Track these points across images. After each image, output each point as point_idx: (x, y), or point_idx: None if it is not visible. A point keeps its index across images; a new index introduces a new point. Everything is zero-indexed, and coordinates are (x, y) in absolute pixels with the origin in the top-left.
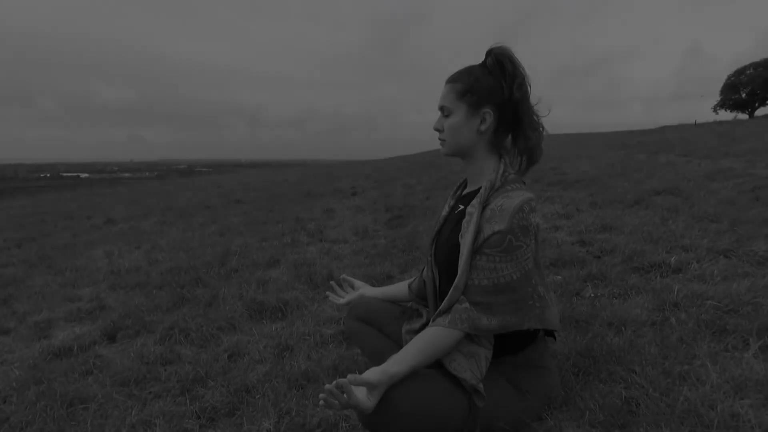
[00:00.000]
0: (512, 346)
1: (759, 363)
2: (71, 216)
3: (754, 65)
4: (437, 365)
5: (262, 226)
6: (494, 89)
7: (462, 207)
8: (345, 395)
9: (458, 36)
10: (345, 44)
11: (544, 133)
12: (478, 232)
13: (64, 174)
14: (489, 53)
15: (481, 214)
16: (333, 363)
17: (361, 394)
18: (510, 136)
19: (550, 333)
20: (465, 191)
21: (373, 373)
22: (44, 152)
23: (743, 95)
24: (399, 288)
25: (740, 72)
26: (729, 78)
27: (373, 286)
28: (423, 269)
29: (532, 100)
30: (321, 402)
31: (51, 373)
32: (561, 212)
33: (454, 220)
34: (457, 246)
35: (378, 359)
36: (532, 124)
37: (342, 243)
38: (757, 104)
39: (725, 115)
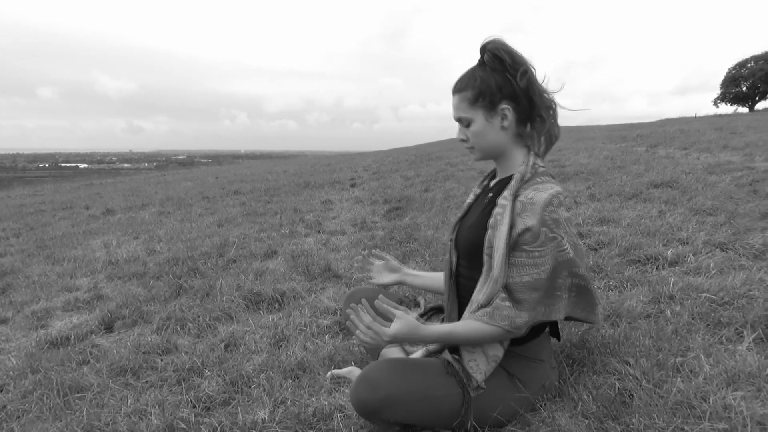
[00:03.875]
0: (517, 339)
1: (752, 355)
2: (70, 206)
3: (756, 58)
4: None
5: (261, 217)
6: (502, 84)
7: (492, 195)
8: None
9: (463, 28)
10: (347, 35)
11: (558, 109)
12: (511, 225)
13: (63, 164)
14: (483, 50)
15: (513, 207)
16: (329, 353)
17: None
18: (528, 121)
19: (555, 333)
20: (494, 181)
21: (405, 319)
22: (43, 142)
23: (744, 89)
24: (437, 278)
25: (741, 65)
26: (730, 71)
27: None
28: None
29: (539, 79)
30: (349, 315)
31: (48, 362)
32: None
33: (482, 207)
34: (482, 232)
35: (373, 349)
36: (545, 103)
37: (340, 234)
38: (757, 98)
39: (726, 109)
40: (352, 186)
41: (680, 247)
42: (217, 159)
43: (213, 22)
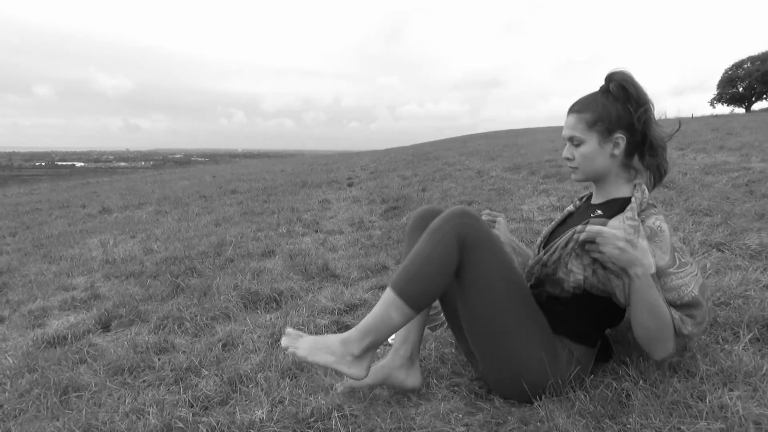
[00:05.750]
0: (583, 337)
1: (748, 355)
2: (66, 205)
3: (752, 59)
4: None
5: (258, 216)
6: (622, 115)
7: (600, 212)
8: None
9: (461, 27)
10: (346, 34)
11: (668, 150)
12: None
13: (59, 162)
14: (610, 79)
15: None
16: None
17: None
18: (637, 155)
19: (608, 355)
20: (595, 201)
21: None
22: (39, 140)
23: (740, 89)
24: (525, 250)
25: (738, 66)
26: (726, 72)
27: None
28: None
29: (656, 116)
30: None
31: (45, 361)
32: (556, 204)
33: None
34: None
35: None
36: (658, 141)
37: (337, 234)
38: (753, 98)
39: (722, 109)
40: (350, 185)
41: None
42: (214, 158)
43: (211, 21)
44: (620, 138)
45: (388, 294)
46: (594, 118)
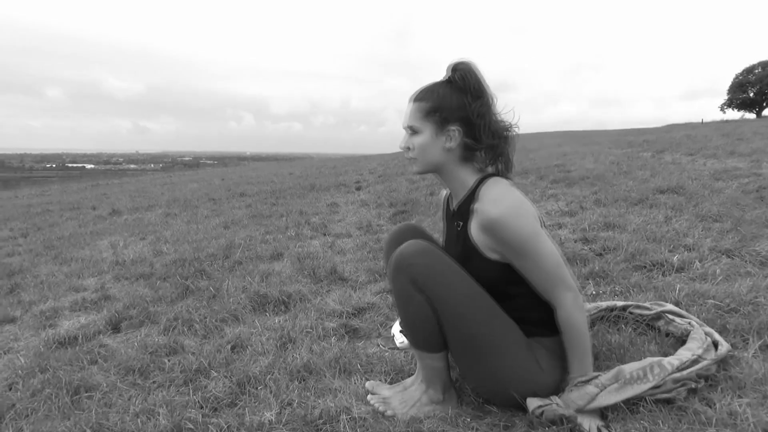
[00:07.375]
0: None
1: (758, 362)
2: (77, 206)
3: (763, 64)
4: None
5: (266, 219)
6: (460, 107)
7: (463, 224)
8: None
9: (469, 29)
10: (353, 36)
11: (513, 141)
12: None
13: (70, 164)
14: (454, 69)
15: None
16: (335, 356)
17: None
18: (483, 149)
19: None
20: (455, 207)
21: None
22: (50, 142)
23: (751, 94)
24: None
25: (748, 71)
26: (737, 77)
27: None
28: None
29: (500, 109)
30: None
31: (56, 361)
32: (564, 209)
33: (457, 237)
34: (459, 259)
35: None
36: (496, 132)
37: (346, 237)
38: (764, 103)
39: (733, 114)
40: (358, 189)
41: (686, 253)
42: (222, 160)
43: (220, 24)
44: (455, 131)
45: (415, 351)
46: (431, 107)
